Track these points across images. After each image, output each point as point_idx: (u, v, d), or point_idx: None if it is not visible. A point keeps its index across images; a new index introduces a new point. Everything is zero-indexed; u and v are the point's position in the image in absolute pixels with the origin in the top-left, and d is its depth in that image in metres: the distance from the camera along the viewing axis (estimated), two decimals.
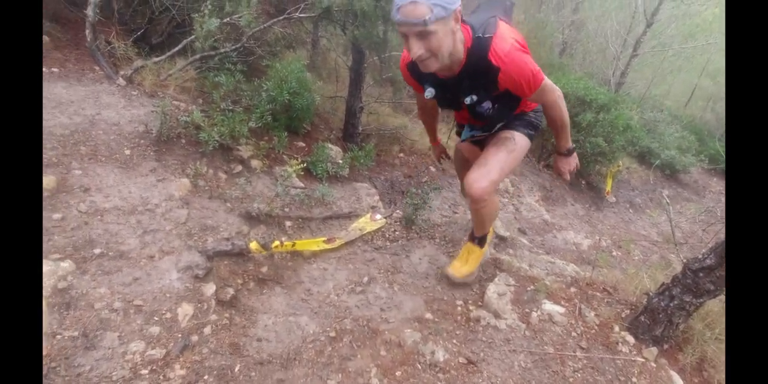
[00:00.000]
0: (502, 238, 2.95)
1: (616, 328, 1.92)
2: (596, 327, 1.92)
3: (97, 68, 2.68)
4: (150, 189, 1.95)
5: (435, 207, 3.10)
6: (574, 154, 1.74)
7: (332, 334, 1.63)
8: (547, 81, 1.36)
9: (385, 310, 1.87)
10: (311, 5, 3.04)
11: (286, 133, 2.73)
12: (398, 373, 1.52)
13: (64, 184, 1.78)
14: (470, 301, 2.04)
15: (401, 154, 3.79)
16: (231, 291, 1.62)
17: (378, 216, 2.50)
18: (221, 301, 1.57)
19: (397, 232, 2.50)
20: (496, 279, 2.18)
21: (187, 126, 2.28)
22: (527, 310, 1.99)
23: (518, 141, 1.63)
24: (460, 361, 1.63)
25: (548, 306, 2.01)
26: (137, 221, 1.75)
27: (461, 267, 1.97)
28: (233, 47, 2.77)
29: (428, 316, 1.89)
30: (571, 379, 1.60)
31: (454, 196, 3.58)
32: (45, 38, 2.78)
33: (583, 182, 5.53)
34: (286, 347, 1.51)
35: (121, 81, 2.45)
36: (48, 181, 1.73)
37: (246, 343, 1.48)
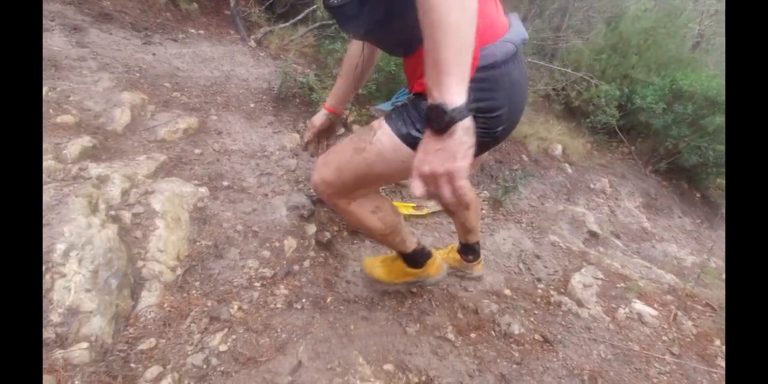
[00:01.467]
0: (593, 234, 2.80)
1: (717, 342, 1.76)
2: (692, 336, 1.78)
3: (232, 32, 3.05)
4: (267, 138, 2.20)
5: (524, 195, 3.03)
6: (458, 132, 0.68)
7: (413, 289, 1.73)
8: None
9: (464, 279, 1.93)
10: None
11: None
12: (473, 336, 1.58)
13: (204, 125, 2.10)
14: (552, 287, 2.01)
15: None
16: (328, 235, 1.80)
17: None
18: (319, 241, 1.75)
19: (483, 211, 2.51)
20: (582, 270, 2.11)
21: (302, 87, 2.51)
22: (614, 305, 1.90)
23: (379, 138, 0.98)
24: (536, 337, 1.64)
25: (639, 306, 1.91)
26: (256, 164, 2.00)
27: (378, 267, 1.55)
28: None
29: (507, 292, 1.90)
30: (654, 380, 1.52)
31: (545, 188, 3.46)
32: (194, 5, 3.22)
33: (698, 195, 4.93)
34: (371, 293, 1.65)
35: (252, 43, 2.77)
36: (192, 122, 2.06)
37: (337, 282, 1.65)
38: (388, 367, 1.33)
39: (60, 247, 1.14)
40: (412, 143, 0.92)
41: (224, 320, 1.25)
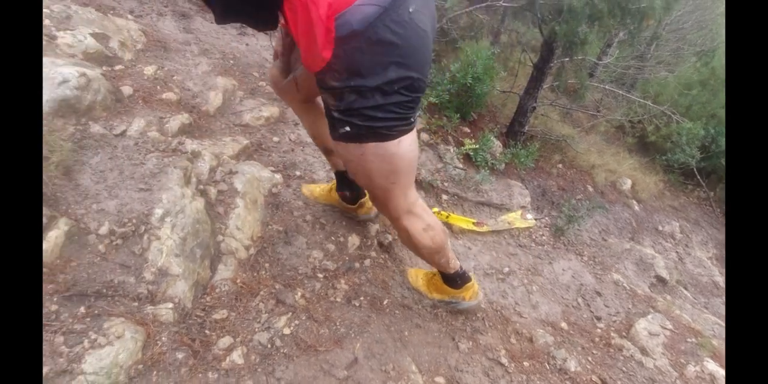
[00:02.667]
0: (660, 280, 2.64)
1: None
2: None
3: None
4: None
5: (584, 227, 2.93)
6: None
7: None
8: None
9: (519, 304, 1.88)
10: None
11: (458, 115, 2.89)
12: (526, 364, 1.53)
13: (282, 116, 2.22)
14: (613, 328, 1.92)
15: (560, 165, 3.64)
16: (389, 238, 1.83)
17: (529, 216, 2.49)
18: (381, 243, 1.79)
19: (544, 237, 2.45)
20: (649, 316, 2.00)
21: None
22: (683, 360, 1.78)
23: (342, 155, 1.04)
24: (593, 378, 1.57)
25: (712, 366, 1.77)
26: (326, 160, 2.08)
27: (421, 279, 1.61)
28: None
29: (563, 325, 1.84)
30: None
31: (608, 222, 3.31)
32: None
33: None
34: (426, 302, 1.65)
35: None
36: (273, 111, 2.18)
37: (393, 286, 1.66)
38: (440, 380, 1.32)
39: (158, 211, 1.25)
40: (354, 137, 0.93)
41: (289, 305, 1.31)
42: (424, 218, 1.21)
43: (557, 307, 1.95)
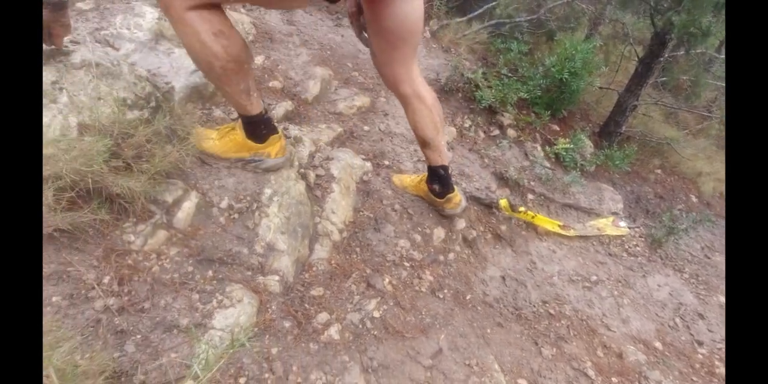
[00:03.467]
0: None
1: None
2: None
3: None
4: None
5: (685, 241, 2.66)
6: None
7: (551, 311, 1.66)
8: None
9: (607, 316, 1.78)
10: None
11: (548, 112, 2.76)
12: (614, 380, 1.46)
13: (373, 105, 2.29)
14: (717, 356, 1.75)
15: (659, 171, 3.33)
16: (474, 233, 1.82)
17: (622, 224, 2.32)
18: (465, 238, 1.79)
19: (638, 248, 2.28)
20: None
21: (468, 82, 2.56)
22: None
23: None
24: None
25: None
26: (414, 150, 2.11)
27: (210, 139, 1.37)
28: (528, 18, 2.90)
29: (658, 345, 1.71)
30: None
31: (713, 238, 2.98)
32: None
33: None
34: (508, 302, 1.63)
35: (427, 34, 2.91)
36: (365, 101, 2.25)
37: (475, 282, 1.66)
38: (522, 382, 1.30)
39: (267, 191, 1.37)
40: None
41: (378, 289, 1.37)
42: (216, 23, 1.04)
43: (650, 325, 1.81)
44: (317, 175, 1.62)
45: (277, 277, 1.20)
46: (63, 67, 1.20)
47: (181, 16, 1.01)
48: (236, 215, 1.29)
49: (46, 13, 1.05)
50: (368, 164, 1.87)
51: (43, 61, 1.17)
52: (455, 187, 1.67)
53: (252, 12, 2.57)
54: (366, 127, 2.12)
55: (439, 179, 1.60)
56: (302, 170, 1.59)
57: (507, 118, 2.64)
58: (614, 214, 2.50)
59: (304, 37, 2.53)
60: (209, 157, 1.37)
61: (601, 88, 3.45)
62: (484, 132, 2.55)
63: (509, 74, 2.71)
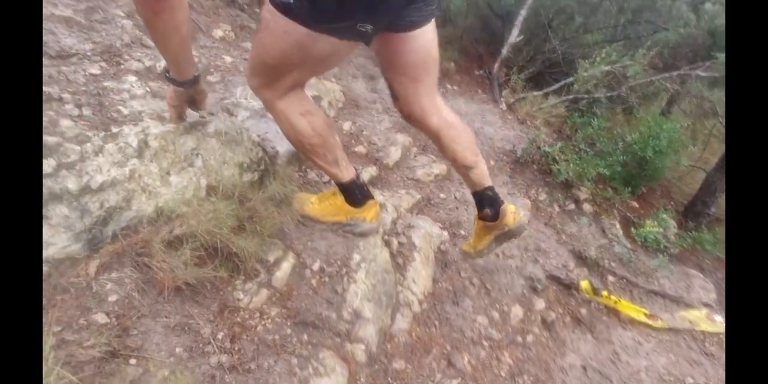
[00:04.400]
0: None
1: None
2: None
3: (480, 91, 3.47)
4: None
5: None
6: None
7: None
8: None
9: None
10: (715, 63, 2.92)
11: (628, 189, 2.73)
12: None
13: (449, 173, 2.41)
14: None
15: None
16: (553, 315, 1.78)
17: (718, 318, 2.15)
18: (544, 319, 1.75)
19: None
20: None
21: (544, 156, 2.64)
22: None
23: (263, 13, 1.05)
24: None
25: None
26: None
27: (310, 203, 1.51)
28: (608, 94, 3.00)
29: None
30: None
31: None
32: (452, 64, 3.81)
33: None
34: None
35: (503, 106, 3.09)
36: (442, 168, 2.38)
37: (555, 370, 1.59)
38: None
39: (356, 257, 1.46)
40: (286, 10, 0.96)
41: (459, 369, 1.36)
42: (303, 103, 1.22)
43: None
44: (400, 243, 1.70)
45: (362, 346, 1.25)
46: (201, 136, 1.42)
47: (273, 104, 1.21)
48: (326, 279, 1.38)
49: (187, 88, 1.25)
50: (445, 233, 1.93)
51: (187, 131, 1.41)
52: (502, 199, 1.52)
53: (341, 80, 2.90)
54: (442, 195, 2.22)
55: (489, 201, 1.50)
56: (386, 237, 1.69)
57: (583, 193, 2.64)
58: (706, 305, 2.32)
59: (386, 105, 2.78)
60: (307, 220, 1.51)
61: (687, 166, 3.38)
62: (560, 206, 2.56)
63: (587, 149, 2.77)
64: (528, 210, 2.38)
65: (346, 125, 2.34)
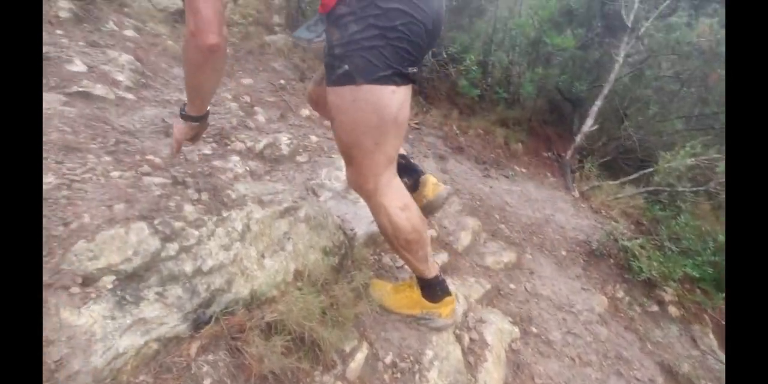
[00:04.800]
0: None
1: None
2: None
3: (549, 174, 3.49)
4: (575, 293, 2.26)
5: None
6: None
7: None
8: None
9: None
10: None
11: (721, 294, 2.51)
12: None
13: (519, 261, 2.37)
14: None
15: None
16: None
17: None
18: None
19: None
20: None
21: (623, 250, 2.53)
22: None
23: (333, 103, 1.11)
24: None
25: None
26: (563, 318, 2.06)
27: (388, 293, 1.54)
28: (693, 188, 2.90)
29: None
30: None
31: None
32: (519, 145, 3.91)
33: None
34: None
35: (576, 193, 3.07)
36: (511, 257, 2.36)
37: None
38: None
39: (429, 353, 1.45)
40: (346, 80, 1.05)
41: None
42: (400, 197, 1.24)
43: None
44: (471, 339, 1.67)
45: None
46: (293, 221, 1.56)
47: (374, 198, 1.23)
48: (399, 375, 1.37)
49: (198, 125, 1.36)
50: (516, 330, 1.87)
51: (281, 215, 1.55)
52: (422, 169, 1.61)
53: (413, 159, 3.08)
54: (512, 285, 2.18)
55: (406, 171, 1.54)
56: (458, 331, 1.66)
57: (669, 294, 2.46)
58: None
59: (457, 186, 2.88)
60: (381, 309, 1.54)
61: None
62: (640, 305, 2.39)
63: (672, 246, 2.63)
64: (605, 308, 2.24)
65: None
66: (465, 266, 2.19)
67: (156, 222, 1.21)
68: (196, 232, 1.26)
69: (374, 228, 1.91)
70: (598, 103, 3.35)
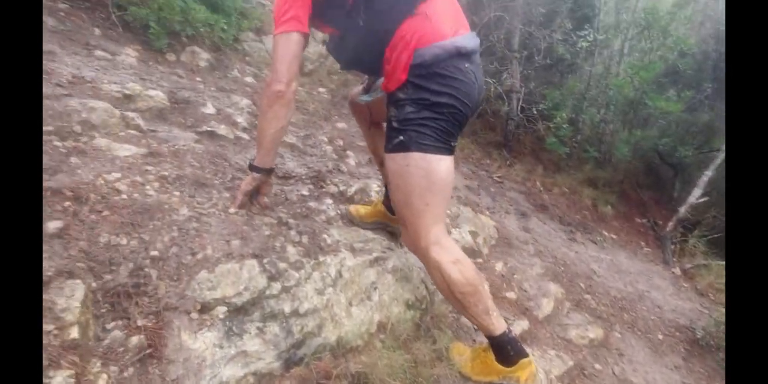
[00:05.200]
0: None
1: None
2: None
3: (643, 243, 3.26)
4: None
5: None
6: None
7: None
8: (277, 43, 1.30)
9: None
10: None
11: None
12: None
13: (606, 339, 2.20)
14: None
15: None
16: None
17: None
18: None
19: None
20: None
21: None
22: None
23: (390, 167, 1.34)
24: None
25: None
26: None
27: (466, 358, 1.51)
28: None
29: None
30: None
31: None
32: (609, 208, 3.72)
33: None
34: None
35: (677, 270, 2.83)
36: (598, 333, 2.20)
37: None
38: None
39: None
40: (402, 148, 1.28)
41: None
42: (452, 252, 1.33)
43: None
44: None
45: None
46: (381, 271, 1.63)
47: (427, 255, 1.33)
48: None
49: (260, 177, 1.51)
50: None
51: (371, 265, 1.63)
52: None
53: (494, 215, 3.06)
54: (598, 366, 2.02)
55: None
56: None
57: None
58: None
59: (539, 247, 2.80)
60: (461, 375, 1.52)
61: None
62: None
63: None
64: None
65: (498, 266, 2.41)
66: (545, 337, 2.09)
67: (265, 261, 1.34)
68: (296, 274, 1.37)
69: None
70: (709, 172, 3.12)
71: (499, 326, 1.40)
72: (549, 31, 3.83)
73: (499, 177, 3.67)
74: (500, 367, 1.44)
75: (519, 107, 3.93)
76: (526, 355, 1.45)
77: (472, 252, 2.41)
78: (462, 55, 1.24)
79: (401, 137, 1.26)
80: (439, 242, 1.32)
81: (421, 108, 1.24)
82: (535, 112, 3.89)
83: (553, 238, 2.98)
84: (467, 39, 1.28)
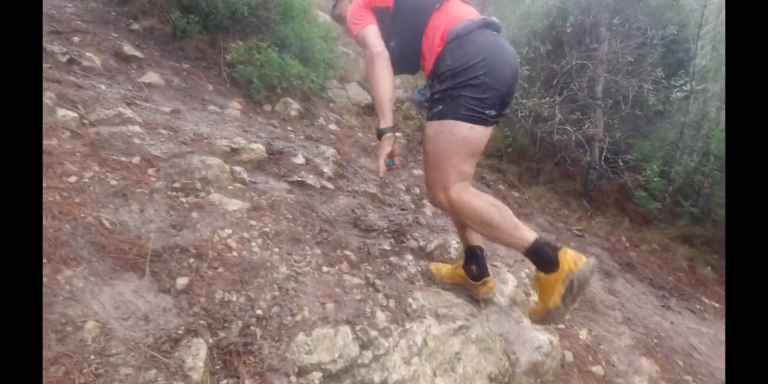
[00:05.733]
0: None
1: None
2: None
3: None
4: None
5: None
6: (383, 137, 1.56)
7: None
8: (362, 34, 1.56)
9: None
10: None
11: None
12: None
13: None
14: None
15: None
16: None
17: None
18: None
19: None
20: None
21: None
22: None
23: (427, 134, 1.54)
24: None
25: None
26: None
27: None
28: None
29: None
30: None
31: None
32: (709, 269, 3.41)
33: None
34: None
35: None
36: None
37: None
38: None
39: None
40: (440, 116, 1.47)
41: None
42: (473, 192, 1.50)
43: None
44: None
45: None
46: (464, 340, 1.64)
47: (454, 201, 1.46)
48: None
49: (390, 136, 1.53)
50: None
51: (454, 333, 1.64)
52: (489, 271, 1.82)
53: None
54: None
55: (476, 260, 1.79)
56: None
57: None
58: None
59: (627, 314, 2.63)
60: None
61: None
62: None
63: None
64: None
65: (582, 333, 2.29)
66: None
67: (357, 328, 1.42)
68: (386, 343, 1.43)
69: (537, 356, 1.87)
70: None
71: (530, 235, 1.44)
72: (638, 79, 3.73)
73: (579, 230, 3.54)
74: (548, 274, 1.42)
75: (603, 157, 3.80)
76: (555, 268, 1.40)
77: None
78: (489, 24, 1.47)
79: (440, 106, 1.44)
80: (459, 190, 1.47)
81: (458, 79, 1.39)
82: (621, 164, 3.74)
83: (643, 304, 2.78)
84: (491, 18, 1.51)
